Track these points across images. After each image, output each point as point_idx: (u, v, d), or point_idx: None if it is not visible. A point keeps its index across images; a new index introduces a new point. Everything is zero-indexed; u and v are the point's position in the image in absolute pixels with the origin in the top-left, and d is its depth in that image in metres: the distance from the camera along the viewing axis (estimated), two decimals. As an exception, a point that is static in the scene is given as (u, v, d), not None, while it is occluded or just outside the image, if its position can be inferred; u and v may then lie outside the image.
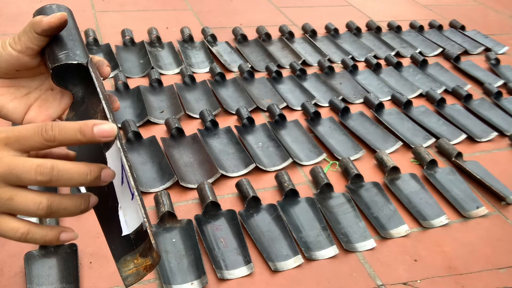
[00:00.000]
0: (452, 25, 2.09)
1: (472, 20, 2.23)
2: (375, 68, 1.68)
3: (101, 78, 0.52)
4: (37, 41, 0.49)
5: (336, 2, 2.33)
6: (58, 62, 0.49)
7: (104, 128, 0.42)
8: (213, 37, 1.78)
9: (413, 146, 1.28)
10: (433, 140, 1.34)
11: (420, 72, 1.69)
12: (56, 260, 0.89)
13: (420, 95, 1.57)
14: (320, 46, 1.82)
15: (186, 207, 1.05)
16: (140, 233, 0.44)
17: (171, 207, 1.00)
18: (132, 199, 0.44)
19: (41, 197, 0.42)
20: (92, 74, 0.49)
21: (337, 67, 1.69)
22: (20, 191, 0.42)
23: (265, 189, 1.12)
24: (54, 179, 0.41)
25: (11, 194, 0.42)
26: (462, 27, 2.07)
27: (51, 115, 0.54)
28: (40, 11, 0.51)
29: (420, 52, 1.84)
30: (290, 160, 1.19)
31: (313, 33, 1.90)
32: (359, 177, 1.15)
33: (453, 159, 1.25)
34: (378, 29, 1.98)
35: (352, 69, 1.67)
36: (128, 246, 0.45)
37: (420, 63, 1.73)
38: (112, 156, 0.46)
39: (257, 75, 1.60)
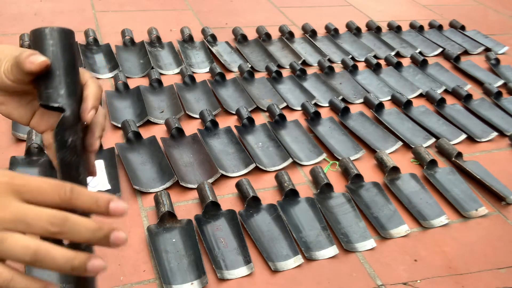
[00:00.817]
0: (452, 25, 2.09)
1: (472, 20, 2.23)
2: (375, 68, 1.68)
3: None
4: (25, 76, 0.49)
5: (336, 2, 2.33)
6: (41, 100, 0.49)
7: (119, 206, 0.43)
8: (213, 37, 1.78)
9: (413, 146, 1.28)
10: (433, 140, 1.34)
11: (420, 72, 1.69)
12: (56, 260, 0.88)
13: (420, 95, 1.57)
14: (320, 46, 1.82)
15: (186, 207, 1.05)
16: None
17: (171, 207, 1.00)
18: None
19: (30, 242, 0.40)
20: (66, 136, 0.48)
21: (337, 67, 1.69)
22: (15, 234, 0.40)
23: (265, 189, 1.12)
24: (65, 230, 0.41)
25: (5, 237, 0.40)
26: (462, 27, 2.07)
27: (55, 118, 0.54)
28: (34, 34, 0.51)
29: (420, 52, 1.84)
30: (290, 160, 1.19)
31: (313, 33, 1.90)
32: (359, 177, 1.15)
33: (453, 159, 1.25)
34: (378, 29, 1.99)
35: (352, 69, 1.67)
36: None
37: (420, 63, 1.73)
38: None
39: (257, 75, 1.60)
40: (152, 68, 1.54)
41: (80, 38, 1.67)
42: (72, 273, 0.42)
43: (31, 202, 0.41)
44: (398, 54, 1.82)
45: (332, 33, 1.92)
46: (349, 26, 1.99)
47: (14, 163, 1.09)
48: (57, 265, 0.42)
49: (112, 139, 1.22)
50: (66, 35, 0.51)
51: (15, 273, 0.42)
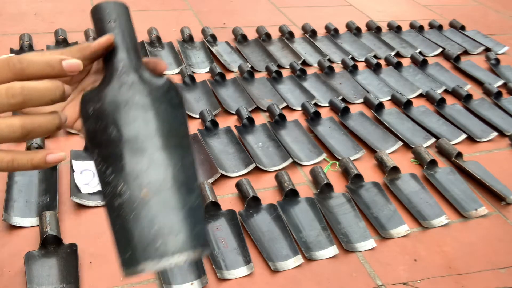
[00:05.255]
0: (452, 25, 2.09)
1: (472, 20, 2.23)
2: (375, 68, 1.68)
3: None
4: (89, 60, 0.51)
5: (336, 2, 2.33)
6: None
7: (72, 62, 0.44)
8: (213, 37, 1.78)
9: (413, 146, 1.28)
10: (433, 140, 1.34)
11: (420, 72, 1.69)
12: (56, 260, 0.89)
13: (420, 95, 1.57)
14: (320, 46, 1.82)
15: (186, 207, 1.05)
16: None
17: (171, 207, 0.99)
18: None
19: (12, 120, 0.42)
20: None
21: (337, 67, 1.69)
22: None
23: (265, 189, 1.12)
24: (27, 99, 0.41)
25: None
26: (462, 27, 2.07)
27: None
28: (96, 11, 0.53)
29: (420, 52, 1.84)
30: (290, 160, 1.19)
31: (313, 33, 1.90)
32: (359, 177, 1.15)
33: (453, 159, 1.25)
34: (378, 29, 1.99)
35: (352, 69, 1.67)
36: None
37: (420, 63, 1.73)
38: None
39: (257, 75, 1.60)
40: (152, 68, 1.54)
41: (80, 38, 1.67)
42: (57, 130, 0.44)
43: None
44: (398, 54, 1.82)
45: (332, 33, 1.92)
46: (349, 26, 1.99)
47: (14, 163, 1.09)
48: (45, 128, 0.43)
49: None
50: (126, 8, 0.54)
51: (15, 153, 0.44)
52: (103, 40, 0.49)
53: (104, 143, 0.50)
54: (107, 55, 0.52)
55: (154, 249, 0.46)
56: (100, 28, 0.52)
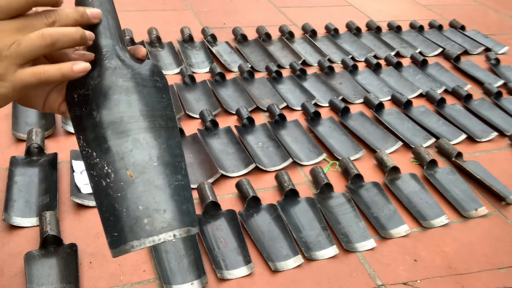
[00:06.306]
0: (452, 25, 2.09)
1: (472, 20, 2.23)
2: (375, 68, 1.68)
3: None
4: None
5: (336, 2, 2.33)
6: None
7: (95, 10, 0.53)
8: (213, 37, 1.78)
9: (413, 146, 1.28)
10: (433, 140, 1.34)
11: (420, 72, 1.69)
12: (56, 260, 0.89)
13: (420, 95, 1.57)
14: (320, 46, 1.82)
15: (186, 207, 1.05)
16: None
17: (171, 207, 0.99)
18: None
19: (41, 31, 0.47)
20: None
21: (337, 67, 1.69)
22: (22, 35, 0.47)
23: (265, 189, 1.12)
24: (54, 40, 0.48)
25: (18, 41, 0.47)
26: (462, 27, 2.07)
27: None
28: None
29: (420, 52, 1.84)
30: (290, 160, 1.19)
31: (313, 33, 1.90)
32: (359, 177, 1.15)
33: (453, 159, 1.25)
34: (378, 29, 1.99)
35: (352, 69, 1.67)
36: None
37: (420, 63, 1.73)
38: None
39: (257, 75, 1.60)
40: (152, 68, 1.54)
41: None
42: (81, 42, 0.50)
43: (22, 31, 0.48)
44: (398, 54, 1.82)
45: (332, 33, 1.93)
46: (349, 26, 1.99)
47: (14, 163, 1.09)
48: (71, 36, 0.49)
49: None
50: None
51: (44, 66, 0.49)
52: (81, 68, 0.52)
53: (89, 127, 0.51)
54: (92, 40, 0.53)
55: (141, 227, 0.47)
56: None
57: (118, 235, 0.47)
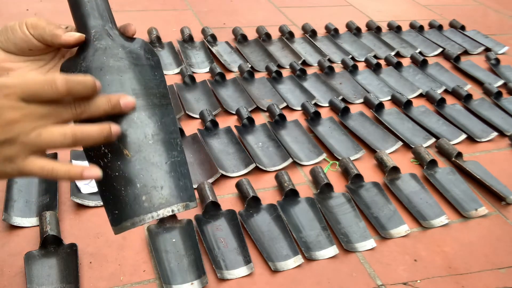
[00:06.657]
0: (452, 25, 2.09)
1: (472, 20, 2.23)
2: (375, 68, 1.68)
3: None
4: (50, 40, 0.53)
5: (336, 2, 2.33)
6: None
7: (129, 100, 0.50)
8: (213, 37, 1.78)
9: (413, 146, 1.28)
10: (433, 140, 1.34)
11: (420, 72, 1.69)
12: (56, 260, 0.89)
13: (420, 95, 1.57)
14: (320, 46, 1.82)
15: (186, 207, 1.05)
16: None
17: (171, 207, 0.99)
18: None
19: (65, 129, 0.46)
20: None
21: (337, 67, 1.69)
22: (45, 127, 0.45)
23: (265, 189, 1.12)
24: (78, 141, 0.46)
25: (39, 131, 0.45)
26: (462, 27, 2.07)
27: None
28: None
29: (420, 52, 1.84)
30: (290, 160, 1.19)
31: (313, 33, 1.90)
32: (359, 177, 1.15)
33: (453, 159, 1.25)
34: (378, 29, 1.99)
35: (352, 69, 1.67)
36: None
37: (420, 63, 1.73)
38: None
39: (257, 75, 1.60)
40: (152, 68, 1.54)
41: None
42: (105, 141, 0.48)
43: (30, 101, 0.46)
44: (398, 54, 1.82)
45: (332, 33, 1.93)
46: (349, 26, 1.99)
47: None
48: (93, 138, 0.47)
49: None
50: None
51: (55, 163, 0.47)
52: (74, 38, 0.51)
53: None
54: (81, 22, 0.53)
55: (140, 204, 0.48)
56: None
57: (118, 213, 0.48)
